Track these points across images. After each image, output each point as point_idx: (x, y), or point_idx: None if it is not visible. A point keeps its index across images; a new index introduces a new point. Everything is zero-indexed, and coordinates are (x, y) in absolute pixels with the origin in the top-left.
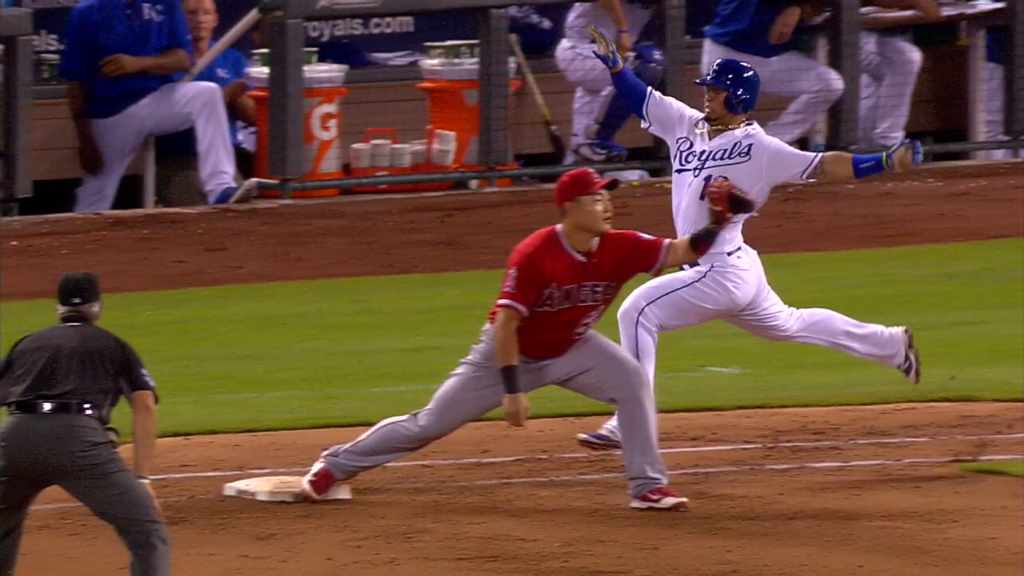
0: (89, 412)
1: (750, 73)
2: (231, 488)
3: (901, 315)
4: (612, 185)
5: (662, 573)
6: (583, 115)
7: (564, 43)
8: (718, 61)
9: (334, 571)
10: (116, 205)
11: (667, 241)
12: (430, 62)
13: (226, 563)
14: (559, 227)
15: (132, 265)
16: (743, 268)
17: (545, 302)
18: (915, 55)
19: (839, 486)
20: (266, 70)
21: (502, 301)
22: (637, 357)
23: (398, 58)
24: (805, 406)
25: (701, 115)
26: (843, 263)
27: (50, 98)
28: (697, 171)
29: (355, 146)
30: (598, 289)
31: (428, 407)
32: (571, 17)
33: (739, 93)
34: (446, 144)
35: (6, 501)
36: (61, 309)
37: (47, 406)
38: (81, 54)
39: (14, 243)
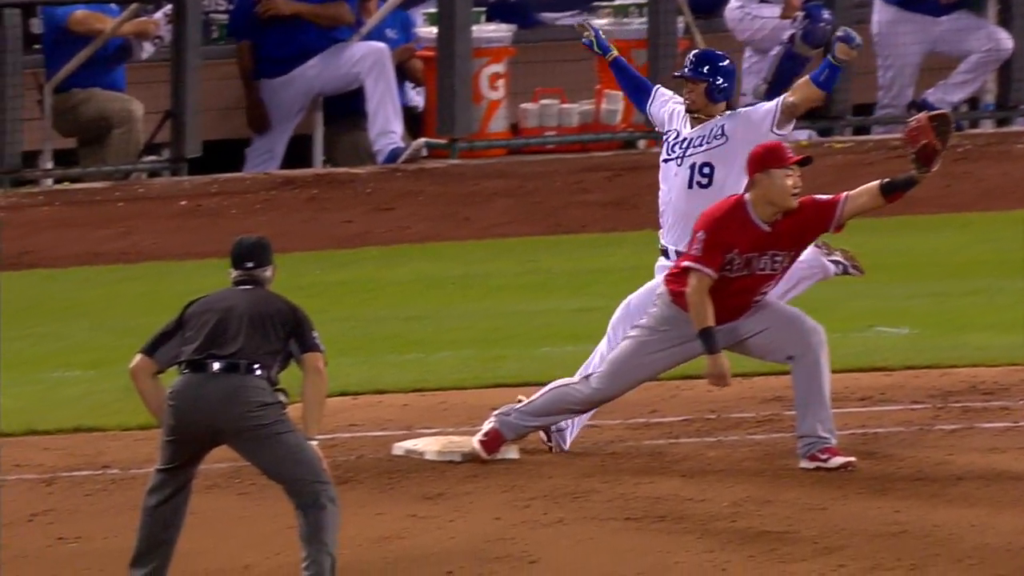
0: (259, 373)
1: (726, 62)
2: (399, 448)
3: None
4: (805, 161)
5: (830, 533)
6: (752, 75)
7: (733, 3)
8: (694, 52)
9: (502, 531)
10: (285, 165)
11: (844, 195)
12: (598, 22)
13: (394, 523)
14: (747, 196)
15: (301, 225)
16: None
17: (724, 267)
18: None
19: (1009, 447)
20: (434, 30)
21: (690, 264)
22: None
23: (566, 18)
24: (975, 366)
25: (685, 115)
26: (1012, 223)
27: (219, 58)
28: (680, 160)
29: (523, 106)
30: (778, 259)
31: (600, 370)
32: None
33: (718, 83)
34: (614, 104)
35: (175, 460)
36: (234, 273)
37: (216, 365)
38: (250, 13)
39: (183, 203)
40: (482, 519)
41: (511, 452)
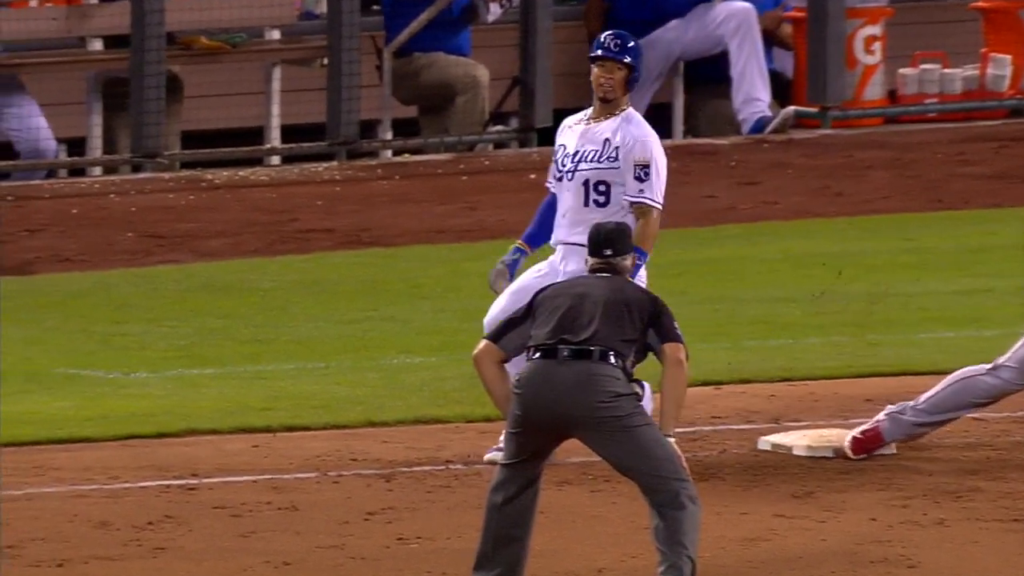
0: (613, 361)
1: (636, 44)
2: (765, 442)
3: None
4: None
5: None
6: None
7: None
8: (615, 32)
9: (878, 532)
10: None
11: None
12: None
13: (760, 522)
14: None
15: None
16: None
17: None
18: None
19: None
20: None
21: None
22: None
23: None
24: None
25: (580, 115)
26: None
27: (571, 20)
28: (571, 174)
29: (901, 71)
30: None
31: (1013, 361)
32: None
33: (634, 69)
34: (1001, 69)
35: (522, 454)
36: (591, 260)
37: (567, 351)
38: None
39: (532, 176)
40: (856, 520)
41: (888, 448)
